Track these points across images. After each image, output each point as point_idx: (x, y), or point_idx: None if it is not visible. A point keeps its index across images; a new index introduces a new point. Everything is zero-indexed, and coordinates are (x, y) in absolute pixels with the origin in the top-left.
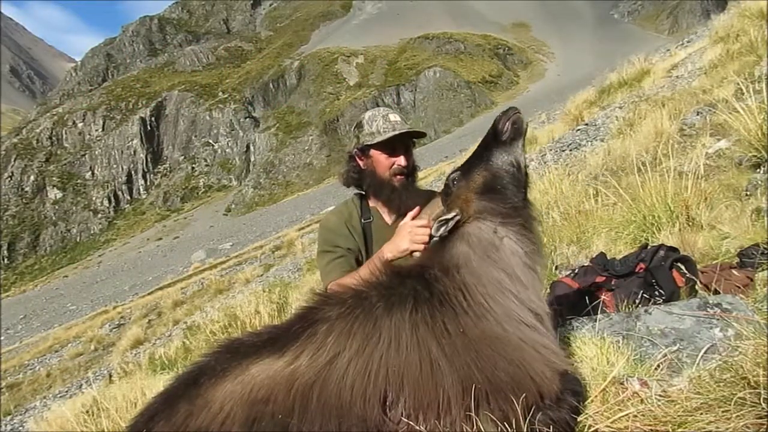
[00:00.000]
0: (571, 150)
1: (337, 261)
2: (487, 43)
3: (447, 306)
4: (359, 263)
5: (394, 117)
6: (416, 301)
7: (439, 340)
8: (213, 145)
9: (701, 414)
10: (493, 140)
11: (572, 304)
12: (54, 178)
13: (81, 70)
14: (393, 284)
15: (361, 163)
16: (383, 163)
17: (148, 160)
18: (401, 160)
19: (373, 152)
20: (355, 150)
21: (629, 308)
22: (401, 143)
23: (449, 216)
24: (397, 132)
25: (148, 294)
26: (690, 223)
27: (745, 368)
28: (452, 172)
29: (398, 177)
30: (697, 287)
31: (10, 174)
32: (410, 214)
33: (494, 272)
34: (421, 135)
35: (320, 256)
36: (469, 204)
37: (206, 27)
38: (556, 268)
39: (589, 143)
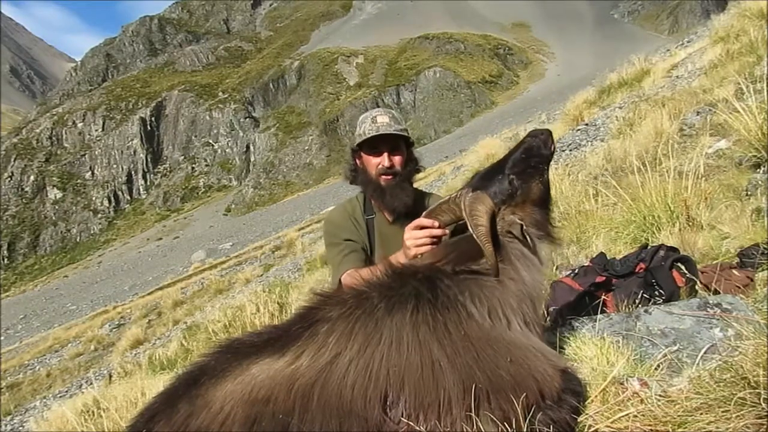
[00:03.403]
0: (571, 150)
1: (351, 255)
2: (487, 43)
3: (450, 308)
4: (365, 254)
5: (381, 119)
6: (418, 302)
7: (440, 340)
8: (213, 145)
9: (701, 414)
10: (538, 154)
11: (572, 304)
12: (54, 178)
13: (81, 70)
14: (395, 285)
15: (357, 162)
16: (371, 162)
17: (148, 160)
18: (384, 161)
19: (362, 153)
20: (350, 150)
21: (629, 308)
22: (386, 144)
23: (521, 223)
24: (374, 134)
25: (148, 294)
26: (690, 223)
27: (745, 368)
28: (508, 171)
29: (384, 177)
30: (697, 287)
31: (10, 174)
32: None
33: (521, 288)
34: (404, 138)
35: (329, 250)
36: (528, 215)
37: (206, 27)
38: (556, 268)
39: (589, 143)
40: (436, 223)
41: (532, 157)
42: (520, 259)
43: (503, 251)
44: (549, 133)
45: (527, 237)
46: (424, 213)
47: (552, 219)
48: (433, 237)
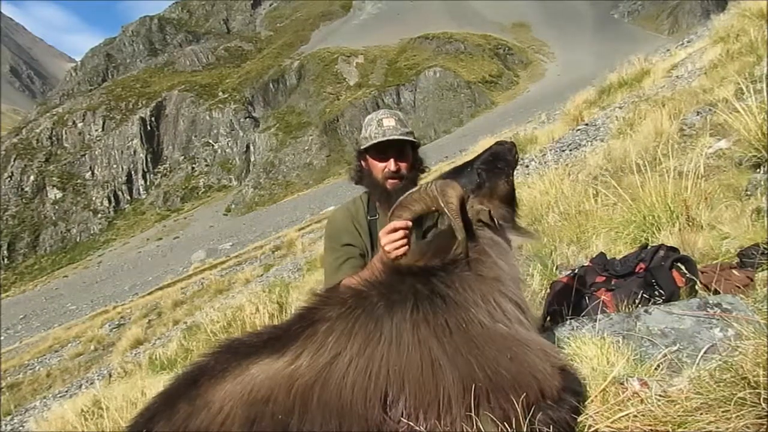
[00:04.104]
0: (571, 150)
1: (348, 263)
2: (487, 43)
3: (449, 304)
4: (364, 260)
5: (388, 122)
6: (417, 300)
7: (440, 338)
8: (213, 145)
9: (701, 414)
10: (504, 158)
11: (572, 304)
12: (54, 178)
13: (81, 70)
14: (393, 283)
15: (363, 164)
16: (377, 166)
17: (148, 160)
18: (391, 165)
19: (368, 156)
20: (356, 151)
21: (629, 308)
22: (393, 148)
23: (488, 209)
24: (381, 139)
25: (148, 294)
26: (690, 223)
27: (745, 368)
28: (476, 166)
29: (391, 180)
30: (697, 287)
31: (10, 174)
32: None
33: (502, 273)
34: (410, 142)
35: (327, 253)
36: (495, 208)
37: (206, 27)
38: (556, 268)
39: (589, 143)
40: (409, 223)
41: (498, 160)
42: (492, 246)
43: (475, 239)
44: (513, 144)
45: (495, 221)
46: (395, 204)
47: (518, 216)
48: (407, 233)
